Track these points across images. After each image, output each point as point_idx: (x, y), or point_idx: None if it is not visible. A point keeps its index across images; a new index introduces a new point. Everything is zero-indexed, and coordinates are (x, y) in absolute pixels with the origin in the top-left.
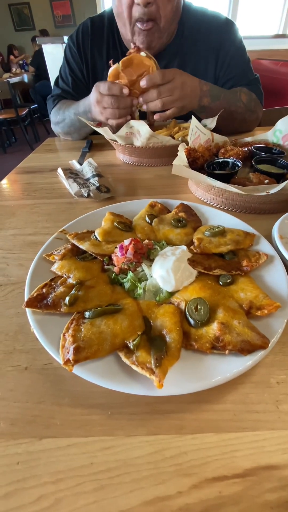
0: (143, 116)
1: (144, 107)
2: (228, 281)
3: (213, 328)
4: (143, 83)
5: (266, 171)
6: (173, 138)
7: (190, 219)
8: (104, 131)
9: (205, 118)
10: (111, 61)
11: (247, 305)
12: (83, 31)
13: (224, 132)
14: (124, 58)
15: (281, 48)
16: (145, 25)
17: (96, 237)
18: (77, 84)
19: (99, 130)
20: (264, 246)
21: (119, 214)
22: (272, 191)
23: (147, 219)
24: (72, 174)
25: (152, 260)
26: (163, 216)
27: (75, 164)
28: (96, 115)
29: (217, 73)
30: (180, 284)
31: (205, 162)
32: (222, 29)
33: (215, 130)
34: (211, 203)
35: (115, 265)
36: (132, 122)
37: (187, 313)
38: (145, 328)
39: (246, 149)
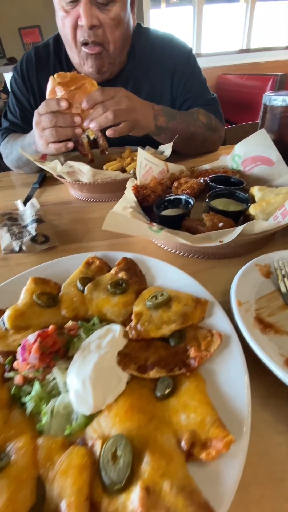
0: (93, 145)
1: (92, 125)
2: (167, 391)
3: (133, 501)
4: (84, 104)
5: (222, 210)
6: (124, 170)
7: (132, 280)
8: (49, 167)
9: (165, 140)
10: (50, 77)
11: (188, 440)
12: (27, 61)
13: (187, 154)
14: (61, 72)
15: (245, 62)
16: (92, 49)
17: (3, 322)
18: (26, 115)
19: (42, 165)
20: (218, 318)
21: (45, 280)
22: (226, 241)
23: (78, 284)
24: (10, 220)
25: (71, 358)
26: (100, 278)
27: (19, 205)
28: (37, 142)
29: (173, 95)
30: (101, 402)
31: (157, 199)
32: (175, 51)
33: (177, 154)
34: (166, 248)
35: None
36: (71, 162)
37: (101, 466)
38: (36, 501)
39: (202, 180)
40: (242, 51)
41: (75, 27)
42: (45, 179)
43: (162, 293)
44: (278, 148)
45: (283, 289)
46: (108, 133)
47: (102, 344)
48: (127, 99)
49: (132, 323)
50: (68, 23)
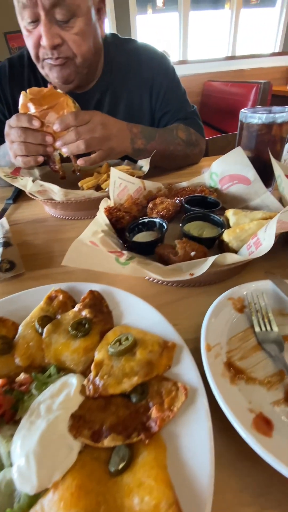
0: (66, 159)
1: (64, 150)
2: (121, 466)
3: None
4: (56, 126)
5: (195, 237)
6: (100, 188)
7: (97, 318)
8: (19, 185)
9: (141, 159)
10: (22, 92)
11: None
12: (0, 73)
13: (168, 169)
14: (34, 87)
15: (231, 69)
16: (55, 60)
17: None
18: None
19: (13, 182)
20: (186, 365)
21: (2, 319)
22: (196, 274)
23: (37, 325)
24: None
25: (19, 421)
26: (62, 317)
27: None
28: (9, 153)
29: (152, 107)
30: (47, 479)
31: (132, 220)
32: (153, 62)
33: (157, 169)
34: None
35: None
36: (40, 182)
37: None
38: None
39: (177, 200)
40: (228, 58)
41: (38, 46)
42: (20, 194)
43: (127, 337)
44: (255, 165)
45: (256, 327)
46: (79, 163)
47: (54, 405)
48: (101, 127)
49: (91, 376)
50: (30, 42)
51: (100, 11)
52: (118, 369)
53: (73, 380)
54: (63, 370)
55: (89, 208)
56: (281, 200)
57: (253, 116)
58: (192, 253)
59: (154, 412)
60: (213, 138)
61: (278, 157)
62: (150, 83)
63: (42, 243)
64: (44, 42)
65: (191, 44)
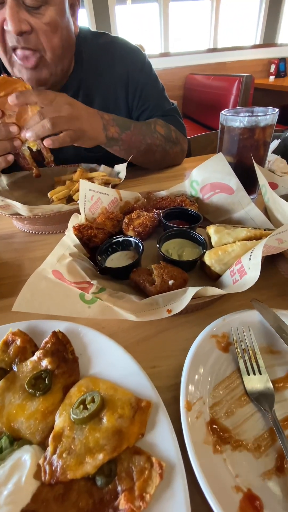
0: (39, 156)
1: (28, 135)
2: None
3: None
4: (11, 98)
5: (174, 260)
6: (72, 199)
7: (60, 370)
8: None
9: (119, 152)
10: None
11: None
12: None
13: (148, 170)
14: None
15: (213, 62)
16: (27, 61)
17: None
18: None
19: None
20: (162, 431)
21: None
22: (174, 311)
23: None
24: None
25: None
26: (18, 368)
27: None
28: None
29: (129, 105)
30: None
31: (107, 236)
32: (127, 57)
33: (137, 174)
34: None
35: None
36: (1, 197)
37: None
38: None
39: (156, 214)
40: (210, 50)
41: (2, 31)
42: None
43: (93, 398)
44: (238, 172)
45: (242, 371)
46: (46, 143)
47: (0, 498)
48: (68, 106)
49: (48, 453)
50: None
51: (74, 7)
52: (80, 444)
53: (26, 459)
54: (18, 439)
55: (60, 221)
56: (266, 210)
57: (234, 119)
58: (170, 282)
59: (122, 503)
60: (195, 137)
61: (261, 162)
62: (125, 79)
63: (7, 265)
64: (9, 26)
65: (173, 36)
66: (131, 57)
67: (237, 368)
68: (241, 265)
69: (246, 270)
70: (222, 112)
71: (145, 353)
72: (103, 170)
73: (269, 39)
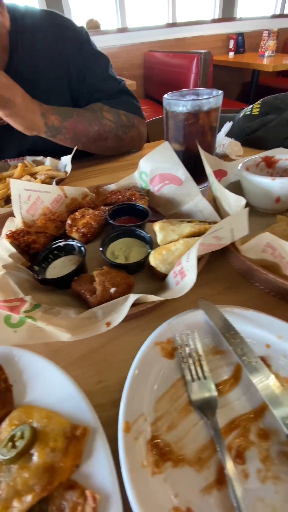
0: None
1: None
2: None
3: None
4: None
5: (118, 264)
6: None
7: None
8: None
9: (66, 141)
10: None
11: None
12: None
13: (104, 158)
14: None
15: (171, 38)
16: None
17: None
18: None
19: None
20: (99, 462)
21: None
22: (113, 323)
23: None
24: None
25: None
26: None
27: None
28: None
29: (74, 93)
30: None
31: (50, 241)
32: (65, 42)
33: (90, 157)
34: None
35: None
36: None
37: None
38: None
39: (103, 212)
40: (169, 25)
41: None
42: None
43: (23, 433)
44: (187, 160)
45: (186, 377)
46: None
47: None
48: (2, 76)
49: None
50: None
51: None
52: (8, 487)
53: None
54: None
55: None
56: (215, 201)
57: (177, 104)
58: (112, 290)
59: None
60: (151, 121)
61: (210, 149)
62: (65, 68)
63: None
64: None
65: (130, 11)
66: (68, 39)
67: (182, 375)
68: (181, 267)
69: (185, 272)
70: (165, 96)
71: (92, 367)
72: (49, 163)
73: (228, 13)
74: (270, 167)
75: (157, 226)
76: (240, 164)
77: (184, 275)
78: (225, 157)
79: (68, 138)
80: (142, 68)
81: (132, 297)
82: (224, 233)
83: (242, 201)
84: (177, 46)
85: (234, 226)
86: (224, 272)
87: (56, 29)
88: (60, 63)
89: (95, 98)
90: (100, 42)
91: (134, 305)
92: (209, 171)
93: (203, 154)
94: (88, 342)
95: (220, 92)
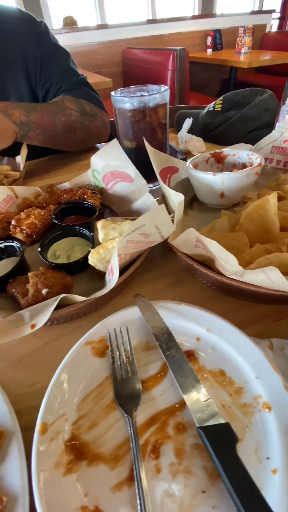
0: None
1: None
2: None
3: None
4: None
5: (55, 264)
6: None
7: None
8: None
9: (36, 138)
10: None
11: None
12: None
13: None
14: None
15: (149, 35)
16: None
17: None
18: None
19: None
20: (11, 465)
21: None
22: (38, 325)
23: None
24: None
25: None
26: None
27: None
28: None
29: (33, 88)
30: None
31: None
32: (20, 33)
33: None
34: None
35: None
36: None
37: None
38: None
39: (53, 214)
40: (149, 21)
41: None
42: None
43: None
44: (138, 157)
45: (113, 375)
46: None
47: None
48: None
49: None
50: None
51: None
52: None
53: None
54: None
55: None
56: (164, 198)
57: (122, 101)
58: (44, 291)
59: None
60: None
61: (162, 145)
62: (23, 63)
63: None
64: None
65: (109, 7)
66: (25, 31)
67: (112, 373)
68: (111, 265)
69: (114, 270)
70: (112, 93)
71: (28, 370)
72: (6, 162)
73: (207, 10)
74: (219, 163)
75: (99, 224)
76: (189, 161)
77: (113, 273)
78: (187, 153)
79: (39, 134)
80: (121, 66)
81: (55, 300)
82: (150, 230)
83: (181, 197)
84: (155, 43)
85: (157, 222)
86: (173, 268)
87: (13, 23)
88: (16, 56)
89: (54, 91)
90: (78, 39)
91: (66, 306)
92: (155, 168)
93: (150, 151)
94: (27, 345)
95: (165, 87)
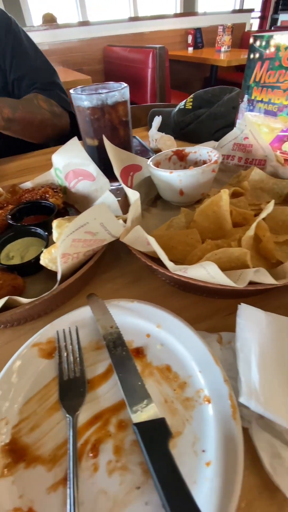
0: None
1: None
2: None
3: None
4: None
5: (6, 266)
6: None
7: None
8: None
9: (17, 132)
10: None
11: None
12: None
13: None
14: None
15: (130, 33)
16: None
17: None
18: None
19: None
20: None
21: None
22: None
23: None
24: None
25: None
26: None
27: None
28: None
29: (8, 89)
30: None
31: None
32: None
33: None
34: None
35: None
36: None
37: None
38: None
39: (8, 215)
40: (131, 19)
41: None
42: None
43: None
44: (101, 155)
45: (59, 375)
46: None
47: None
48: None
49: None
50: None
51: None
52: None
53: None
54: None
55: None
56: (126, 196)
57: (80, 99)
58: None
59: None
60: None
61: (125, 143)
62: None
63: None
64: None
65: (91, 4)
66: None
67: (58, 374)
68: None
69: (58, 270)
70: (71, 90)
71: None
72: None
73: (188, 8)
74: (182, 160)
75: (54, 224)
76: (150, 159)
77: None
78: (159, 151)
79: (20, 129)
80: (103, 63)
81: (3, 300)
82: (95, 228)
83: (136, 195)
84: (136, 41)
85: (102, 220)
86: (134, 266)
87: None
88: None
89: (25, 86)
90: (58, 37)
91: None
92: (115, 166)
93: (110, 150)
94: None
95: (124, 85)
